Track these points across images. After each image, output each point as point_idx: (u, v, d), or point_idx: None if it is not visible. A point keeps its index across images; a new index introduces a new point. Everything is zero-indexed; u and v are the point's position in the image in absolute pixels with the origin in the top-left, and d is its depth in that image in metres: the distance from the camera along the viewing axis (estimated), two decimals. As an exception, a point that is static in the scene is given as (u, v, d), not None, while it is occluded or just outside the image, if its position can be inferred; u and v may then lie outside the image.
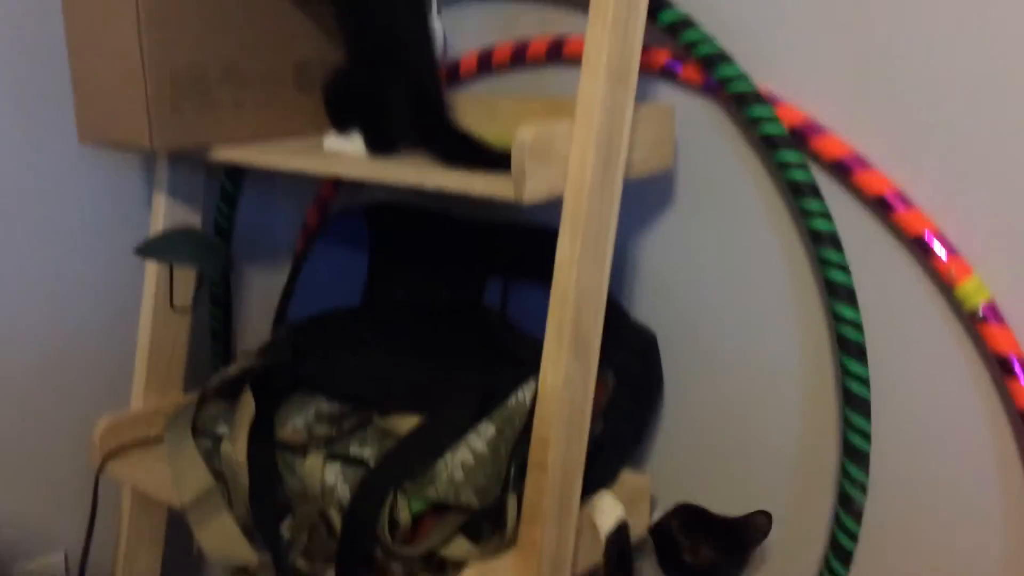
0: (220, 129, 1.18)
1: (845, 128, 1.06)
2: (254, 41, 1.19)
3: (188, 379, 1.42)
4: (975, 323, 0.99)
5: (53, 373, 1.45)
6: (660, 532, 1.08)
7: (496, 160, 0.97)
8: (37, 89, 1.36)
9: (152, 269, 1.35)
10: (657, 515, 1.10)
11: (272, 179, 1.63)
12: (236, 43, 1.17)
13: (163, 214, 1.34)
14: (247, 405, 1.10)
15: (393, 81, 1.10)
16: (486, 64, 1.30)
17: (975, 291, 0.98)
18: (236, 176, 1.56)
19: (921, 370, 1.06)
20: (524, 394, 1.02)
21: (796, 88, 1.08)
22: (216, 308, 1.62)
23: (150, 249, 1.26)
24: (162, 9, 1.09)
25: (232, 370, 1.18)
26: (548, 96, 1.27)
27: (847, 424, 1.06)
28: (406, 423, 1.05)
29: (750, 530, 1.06)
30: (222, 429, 1.14)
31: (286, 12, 1.21)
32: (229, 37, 1.16)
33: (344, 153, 1.13)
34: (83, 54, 1.16)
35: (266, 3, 1.19)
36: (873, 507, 1.09)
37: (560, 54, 1.22)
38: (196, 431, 1.16)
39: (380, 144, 1.11)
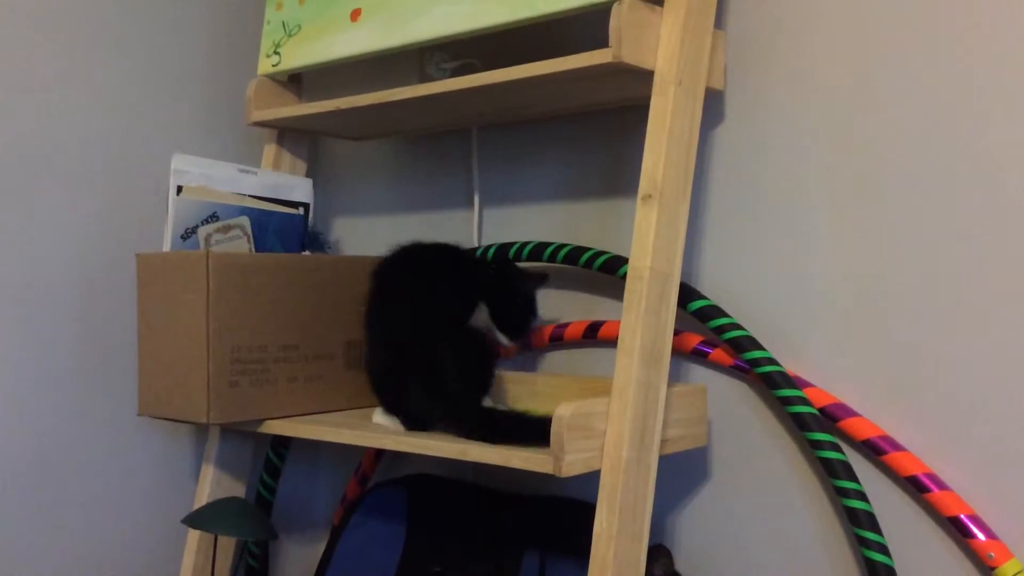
0: (273, 403, 1.24)
1: (874, 412, 1.09)
2: (310, 322, 1.28)
3: (218, 654, 1.40)
4: (1021, 607, 0.98)
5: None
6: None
7: (527, 433, 1.02)
8: (99, 364, 1.44)
9: (194, 539, 1.36)
10: None
11: (316, 451, 1.67)
12: (294, 324, 1.26)
13: (210, 485, 1.38)
14: None
15: (409, 362, 1.17)
16: (526, 343, 1.38)
17: (1016, 573, 0.98)
18: (281, 448, 1.61)
19: (970, 657, 1.02)
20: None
21: (824, 373, 1.13)
22: (251, 580, 1.61)
23: (197, 520, 1.28)
24: (230, 295, 1.19)
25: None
26: (585, 375, 1.33)
27: None
28: None
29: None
30: None
31: (340, 296, 1.31)
32: (289, 319, 1.25)
33: (388, 427, 1.18)
34: (152, 333, 1.25)
35: (322, 289, 1.29)
36: None
37: (596, 335, 1.30)
38: None
39: (412, 422, 1.17)
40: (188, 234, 1.28)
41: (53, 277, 1.39)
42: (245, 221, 1.33)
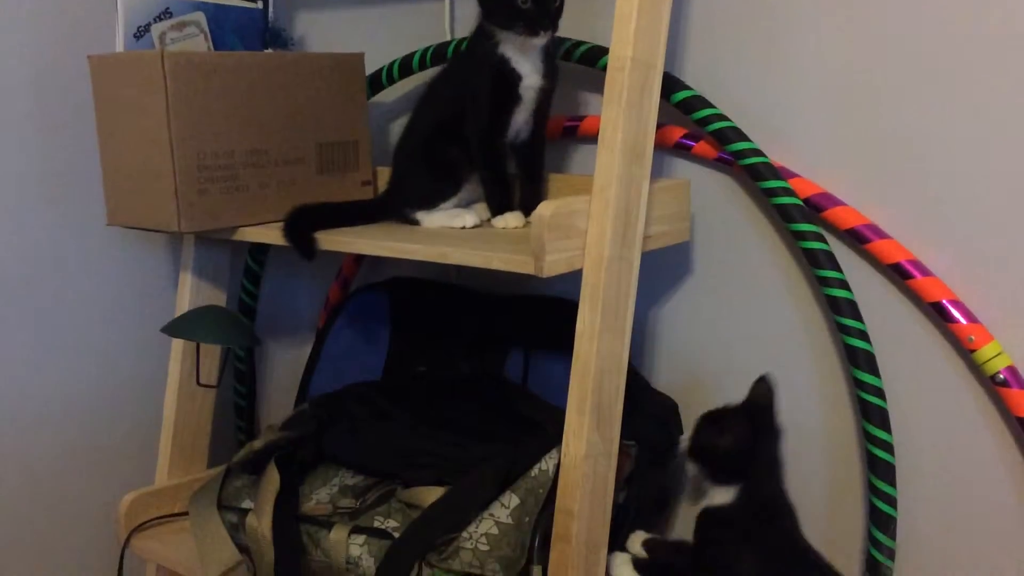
0: (246, 210, 1.21)
1: (859, 201, 1.08)
2: (278, 126, 1.23)
3: (212, 454, 1.44)
4: (996, 387, 1.00)
5: (80, 449, 1.47)
6: (693, 448, 1.07)
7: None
8: (66, 173, 1.40)
9: (178, 347, 1.37)
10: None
11: (295, 257, 1.66)
12: (261, 128, 1.21)
13: (189, 293, 1.37)
14: (272, 479, 1.11)
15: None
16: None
17: (995, 356, 0.99)
18: (260, 255, 1.59)
19: (944, 434, 1.06)
20: (547, 464, 1.02)
21: (809, 163, 1.11)
22: (240, 384, 1.64)
23: (177, 328, 1.28)
24: (190, 99, 1.14)
25: (257, 444, 1.20)
26: (565, 173, 1.30)
27: (872, 489, 1.06)
28: (430, 495, 1.05)
29: (760, 395, 1.06)
30: (247, 503, 1.15)
31: (308, 98, 1.25)
32: (254, 123, 1.20)
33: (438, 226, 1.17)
34: (112, 140, 1.20)
35: (289, 90, 1.23)
36: (901, 571, 1.08)
37: (576, 132, 1.26)
38: (221, 505, 1.17)
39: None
40: (141, 32, 1.21)
41: (3, 84, 1.32)
42: (200, 17, 1.25)
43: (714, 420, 1.06)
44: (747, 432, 1.03)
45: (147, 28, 1.21)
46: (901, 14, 1.02)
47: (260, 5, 1.33)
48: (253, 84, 1.19)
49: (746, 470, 1.03)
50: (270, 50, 1.33)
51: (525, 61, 1.09)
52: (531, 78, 1.10)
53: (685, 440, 1.09)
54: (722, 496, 1.04)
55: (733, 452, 1.03)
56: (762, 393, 1.06)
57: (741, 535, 1.02)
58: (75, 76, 1.36)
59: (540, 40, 1.07)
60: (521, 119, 1.12)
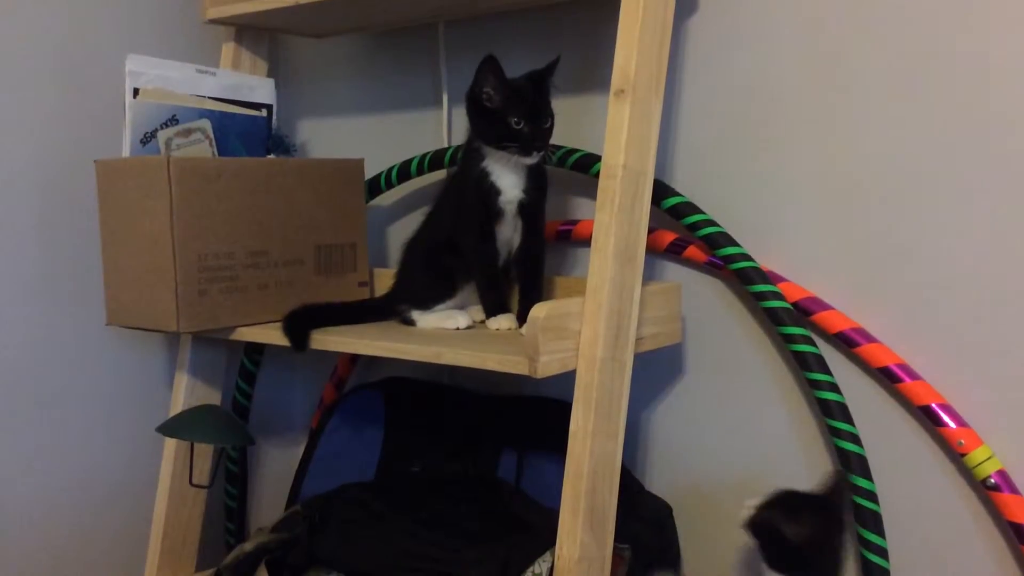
0: (244, 311, 1.23)
1: (847, 305, 1.10)
2: (279, 228, 1.25)
3: (201, 556, 1.41)
4: (988, 491, 1.00)
5: (69, 548, 1.45)
6: (757, 523, 1.00)
7: None
8: (67, 272, 1.42)
9: (171, 447, 1.37)
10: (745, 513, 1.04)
11: (290, 357, 1.67)
12: (262, 230, 1.23)
13: (184, 392, 1.37)
14: (263, 583, 1.10)
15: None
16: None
17: (986, 460, 1.00)
18: (256, 354, 1.60)
19: (937, 538, 1.05)
20: (541, 568, 1.02)
21: (798, 267, 1.13)
22: (231, 485, 1.62)
23: (172, 428, 1.28)
24: (194, 202, 1.16)
25: (247, 546, 1.18)
26: (560, 275, 1.32)
27: (867, 597, 1.05)
28: (423, 599, 1.04)
29: (836, 490, 1.00)
30: (236, 608, 1.13)
31: (309, 201, 1.28)
32: (256, 225, 1.23)
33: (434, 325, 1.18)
34: (115, 242, 1.22)
35: (289, 193, 1.26)
36: None
37: (570, 236, 1.29)
38: (210, 610, 1.15)
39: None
40: (148, 139, 1.24)
41: (11, 187, 1.35)
42: (206, 124, 1.29)
43: (789, 504, 0.99)
44: (822, 526, 0.98)
45: (153, 134, 1.25)
46: (884, 124, 1.06)
47: (264, 113, 1.37)
48: (256, 188, 1.22)
49: (810, 565, 0.98)
50: (273, 155, 1.36)
51: (507, 176, 1.12)
52: (511, 192, 1.12)
53: (748, 509, 1.02)
54: None
55: (805, 543, 0.97)
56: (837, 488, 1.01)
57: None
58: (80, 179, 1.39)
59: (531, 160, 1.09)
60: (508, 229, 1.15)
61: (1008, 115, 0.98)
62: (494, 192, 1.11)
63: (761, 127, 1.14)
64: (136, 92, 1.23)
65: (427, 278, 1.20)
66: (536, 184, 1.13)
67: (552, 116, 1.10)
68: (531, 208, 1.14)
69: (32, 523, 1.41)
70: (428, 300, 1.20)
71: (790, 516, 0.98)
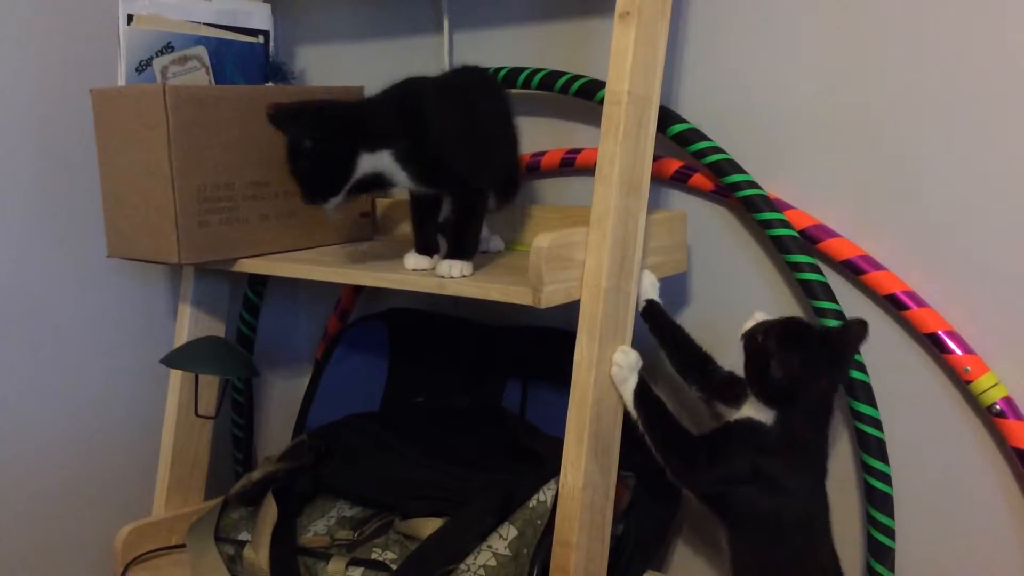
0: (245, 242, 1.22)
1: (854, 233, 1.09)
2: (279, 158, 1.23)
3: (209, 486, 1.43)
4: (993, 418, 1.00)
5: (78, 481, 1.47)
6: (751, 341, 0.96)
7: None
8: (66, 205, 1.41)
9: (176, 378, 1.37)
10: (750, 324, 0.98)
11: (294, 288, 1.67)
12: (262, 161, 1.22)
13: (188, 324, 1.37)
14: (269, 511, 1.11)
15: None
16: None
17: (991, 387, 0.99)
18: (259, 286, 1.60)
19: (941, 465, 1.06)
20: (545, 495, 1.02)
21: (805, 195, 1.12)
22: (238, 415, 1.63)
23: (176, 359, 1.28)
24: (191, 132, 1.14)
25: (254, 475, 1.20)
26: (563, 205, 1.31)
27: (870, 521, 1.06)
28: (428, 526, 1.05)
29: (846, 338, 0.95)
30: (244, 535, 1.14)
31: (310, 128, 1.26)
32: (255, 155, 1.21)
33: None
34: (113, 173, 1.21)
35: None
36: (900, 608, 1.08)
37: (573, 164, 1.27)
38: (218, 537, 1.17)
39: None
40: (143, 67, 1.22)
41: (7, 118, 1.33)
42: (202, 51, 1.26)
43: (788, 334, 0.93)
44: (822, 364, 0.93)
45: (149, 62, 1.22)
46: (896, 47, 1.04)
47: (261, 40, 1.34)
48: (255, 117, 1.20)
49: (796, 399, 0.93)
50: (271, 83, 1.34)
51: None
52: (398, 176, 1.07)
53: (752, 322, 0.97)
54: (759, 413, 0.96)
55: (785, 379, 0.92)
56: (854, 333, 0.95)
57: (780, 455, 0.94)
58: (77, 109, 1.37)
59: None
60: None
61: (1023, 40, 0.96)
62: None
63: (770, 47, 1.12)
64: (130, 19, 1.21)
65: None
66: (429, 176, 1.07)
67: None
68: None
69: (39, 455, 1.42)
70: None
71: (782, 346, 0.92)
